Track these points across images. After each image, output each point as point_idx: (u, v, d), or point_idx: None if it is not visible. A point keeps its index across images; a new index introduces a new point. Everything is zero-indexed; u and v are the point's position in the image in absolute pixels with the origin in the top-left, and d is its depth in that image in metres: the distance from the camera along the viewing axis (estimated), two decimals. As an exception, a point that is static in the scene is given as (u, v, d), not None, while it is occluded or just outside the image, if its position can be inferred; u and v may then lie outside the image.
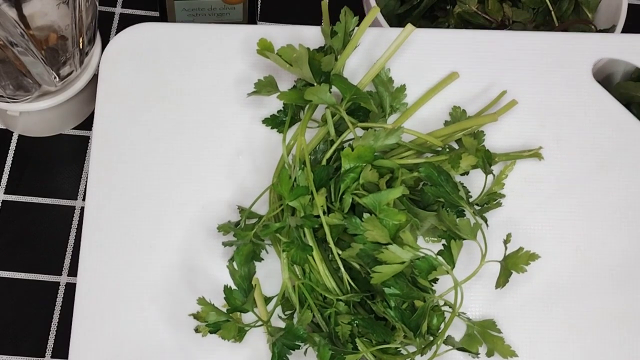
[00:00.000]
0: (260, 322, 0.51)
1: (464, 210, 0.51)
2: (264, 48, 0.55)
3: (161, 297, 0.53)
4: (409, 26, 0.56)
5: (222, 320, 0.50)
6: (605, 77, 0.70)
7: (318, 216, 0.50)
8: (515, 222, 0.55)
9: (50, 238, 0.68)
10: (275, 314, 0.52)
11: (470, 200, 0.54)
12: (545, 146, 0.57)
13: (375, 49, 0.58)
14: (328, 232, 0.50)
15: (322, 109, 0.55)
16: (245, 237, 0.51)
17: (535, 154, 0.56)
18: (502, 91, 0.57)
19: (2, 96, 0.65)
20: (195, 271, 0.53)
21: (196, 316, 0.51)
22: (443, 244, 0.50)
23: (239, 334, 0.50)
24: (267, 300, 0.51)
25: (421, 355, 0.49)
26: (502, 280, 0.51)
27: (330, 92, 0.53)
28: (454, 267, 0.49)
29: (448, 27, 0.72)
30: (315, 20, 0.80)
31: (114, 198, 0.55)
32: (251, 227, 0.51)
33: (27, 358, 0.64)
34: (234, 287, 0.51)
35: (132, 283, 0.53)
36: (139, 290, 0.53)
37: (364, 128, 0.53)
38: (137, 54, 0.58)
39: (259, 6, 0.79)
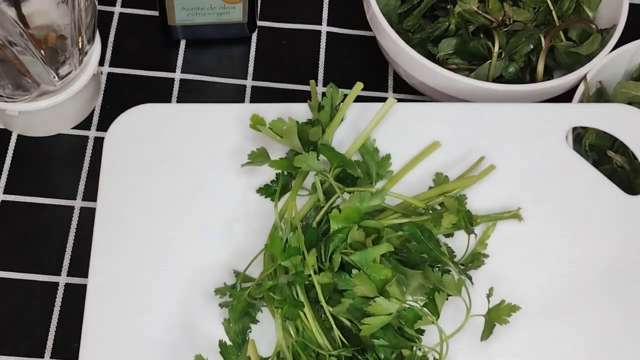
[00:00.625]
0: None
1: (449, 270, 0.54)
2: (256, 122, 0.59)
3: (160, 358, 0.55)
4: (391, 99, 0.61)
5: None
6: (604, 78, 0.70)
7: (309, 275, 0.53)
8: (498, 279, 0.57)
9: (49, 238, 0.68)
10: None
11: (455, 259, 0.56)
12: (525, 208, 0.59)
13: (360, 121, 0.62)
14: (319, 290, 0.52)
15: (312, 179, 0.59)
16: (240, 296, 0.54)
17: (515, 215, 0.59)
18: (481, 157, 0.61)
19: (1, 96, 0.65)
20: (193, 332, 0.56)
21: None
22: (428, 298, 0.53)
23: None
24: None
25: None
26: (487, 332, 0.54)
27: (319, 160, 0.57)
28: (438, 317, 0.52)
29: (449, 26, 0.72)
30: (314, 22, 0.80)
31: (116, 264, 0.57)
32: (246, 289, 0.54)
33: (26, 359, 0.64)
34: (228, 342, 0.53)
35: (131, 346, 0.55)
36: (139, 351, 0.55)
37: (350, 193, 0.57)
38: (139, 132, 0.62)
39: (258, 6, 0.78)
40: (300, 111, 0.61)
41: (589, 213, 0.60)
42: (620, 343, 0.56)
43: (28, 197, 0.69)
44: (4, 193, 0.69)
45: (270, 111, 0.60)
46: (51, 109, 0.67)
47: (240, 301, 0.54)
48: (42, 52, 0.62)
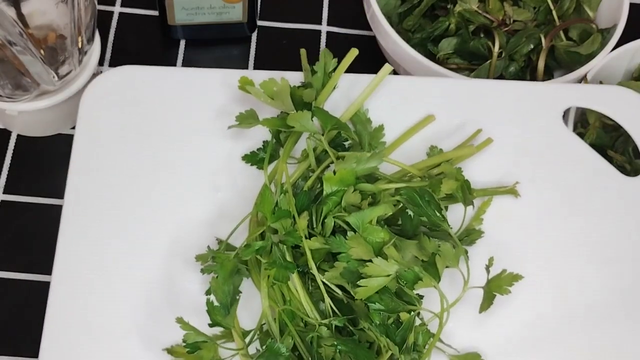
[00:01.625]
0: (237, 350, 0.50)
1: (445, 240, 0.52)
2: (245, 83, 0.56)
3: (135, 329, 0.53)
4: (387, 66, 0.58)
5: (201, 341, 0.50)
6: (604, 77, 0.70)
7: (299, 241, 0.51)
8: (493, 255, 0.55)
9: (48, 238, 0.67)
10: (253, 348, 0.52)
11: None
12: (521, 185, 0.58)
13: (353, 92, 0.60)
14: (309, 255, 0.50)
15: (302, 147, 0.57)
16: (226, 259, 0.51)
17: (511, 190, 0.58)
18: (478, 129, 0.59)
19: (0, 95, 0.65)
20: (176, 297, 0.54)
21: (170, 351, 0.51)
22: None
23: None
24: (244, 333, 0.51)
25: None
26: (486, 304, 0.52)
27: (313, 121, 0.54)
28: (439, 280, 0.50)
29: (449, 26, 0.72)
30: (314, 21, 0.80)
31: (89, 231, 0.55)
32: (231, 254, 0.51)
33: (26, 359, 0.64)
34: (216, 303, 0.51)
35: (106, 315, 0.53)
36: (114, 322, 0.53)
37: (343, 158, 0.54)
38: (117, 94, 0.59)
39: (258, 5, 0.78)
40: (290, 78, 0.58)
41: (586, 193, 0.59)
42: (617, 317, 0.55)
43: (27, 197, 0.69)
44: (3, 193, 0.69)
45: (259, 77, 0.58)
46: (51, 108, 0.67)
47: (230, 260, 0.51)
48: (42, 51, 0.62)
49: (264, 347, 0.49)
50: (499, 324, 0.54)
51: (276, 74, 0.58)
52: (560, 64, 0.73)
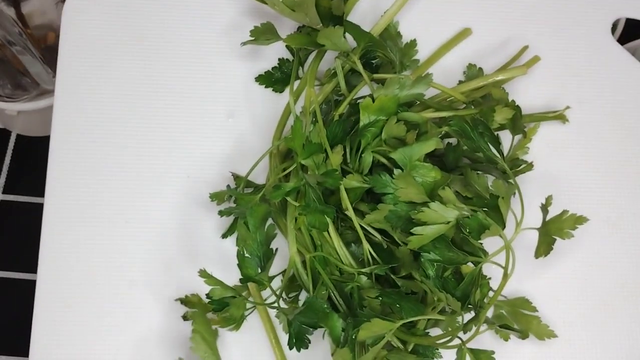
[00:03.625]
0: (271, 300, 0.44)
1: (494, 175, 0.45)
2: None
3: (141, 281, 0.47)
4: None
5: (229, 297, 0.43)
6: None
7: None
8: (540, 190, 0.50)
9: (49, 238, 0.68)
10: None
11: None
12: (569, 109, 0.53)
13: (380, 2, 0.52)
14: (344, 196, 0.43)
15: (324, 67, 0.49)
16: (251, 201, 0.44)
17: (560, 115, 0.51)
18: (524, 46, 0.53)
19: (0, 95, 0.65)
20: (184, 249, 0.48)
21: (184, 301, 0.46)
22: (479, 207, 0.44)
23: (240, 319, 0.44)
24: (270, 279, 0.45)
25: (464, 333, 0.43)
26: (544, 248, 0.46)
27: (345, 38, 0.47)
28: (504, 227, 0.44)
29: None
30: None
31: (79, 168, 0.49)
32: (252, 194, 0.44)
33: (26, 359, 0.64)
34: (246, 254, 0.44)
35: (105, 264, 0.48)
36: (117, 272, 0.48)
37: (379, 81, 0.47)
38: (107, 4, 0.51)
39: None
40: None
41: (637, 116, 0.53)
42: None
43: (27, 196, 0.69)
44: (3, 193, 0.69)
45: None
46: (50, 108, 0.67)
47: (260, 205, 0.44)
48: (41, 51, 0.62)
49: (301, 303, 0.44)
50: (549, 264, 0.50)
51: None
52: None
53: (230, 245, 0.48)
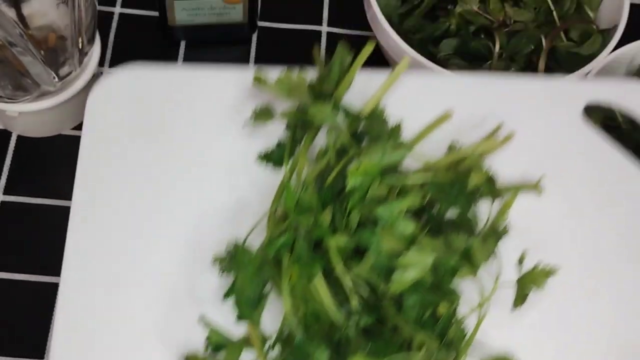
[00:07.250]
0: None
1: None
2: (260, 79, 0.54)
3: (146, 343, 0.50)
4: (405, 58, 0.56)
5: (224, 341, 0.48)
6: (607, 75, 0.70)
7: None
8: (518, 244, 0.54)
9: (49, 239, 0.68)
10: None
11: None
12: (543, 182, 0.56)
13: (367, 89, 0.57)
14: (334, 252, 0.47)
15: (316, 149, 0.55)
16: (248, 257, 0.48)
17: (535, 186, 0.55)
18: (498, 125, 0.57)
19: (1, 96, 0.65)
20: (189, 305, 0.51)
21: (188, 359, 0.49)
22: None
23: None
24: (263, 339, 0.48)
25: None
26: (520, 300, 0.50)
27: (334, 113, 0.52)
28: (478, 268, 0.47)
29: (449, 27, 0.72)
30: (314, 22, 0.80)
31: (95, 239, 0.53)
32: (251, 251, 0.49)
33: (26, 359, 0.64)
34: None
35: (113, 328, 0.51)
36: (122, 335, 0.51)
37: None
38: (124, 94, 0.57)
39: (259, 6, 0.78)
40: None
41: (610, 190, 0.57)
42: None
43: (28, 197, 0.69)
44: (3, 194, 0.69)
45: (272, 76, 0.55)
46: (51, 109, 0.67)
47: (254, 258, 0.48)
48: (42, 52, 0.62)
49: (290, 350, 0.47)
50: (530, 323, 0.52)
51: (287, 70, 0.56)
52: (561, 64, 0.73)
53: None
